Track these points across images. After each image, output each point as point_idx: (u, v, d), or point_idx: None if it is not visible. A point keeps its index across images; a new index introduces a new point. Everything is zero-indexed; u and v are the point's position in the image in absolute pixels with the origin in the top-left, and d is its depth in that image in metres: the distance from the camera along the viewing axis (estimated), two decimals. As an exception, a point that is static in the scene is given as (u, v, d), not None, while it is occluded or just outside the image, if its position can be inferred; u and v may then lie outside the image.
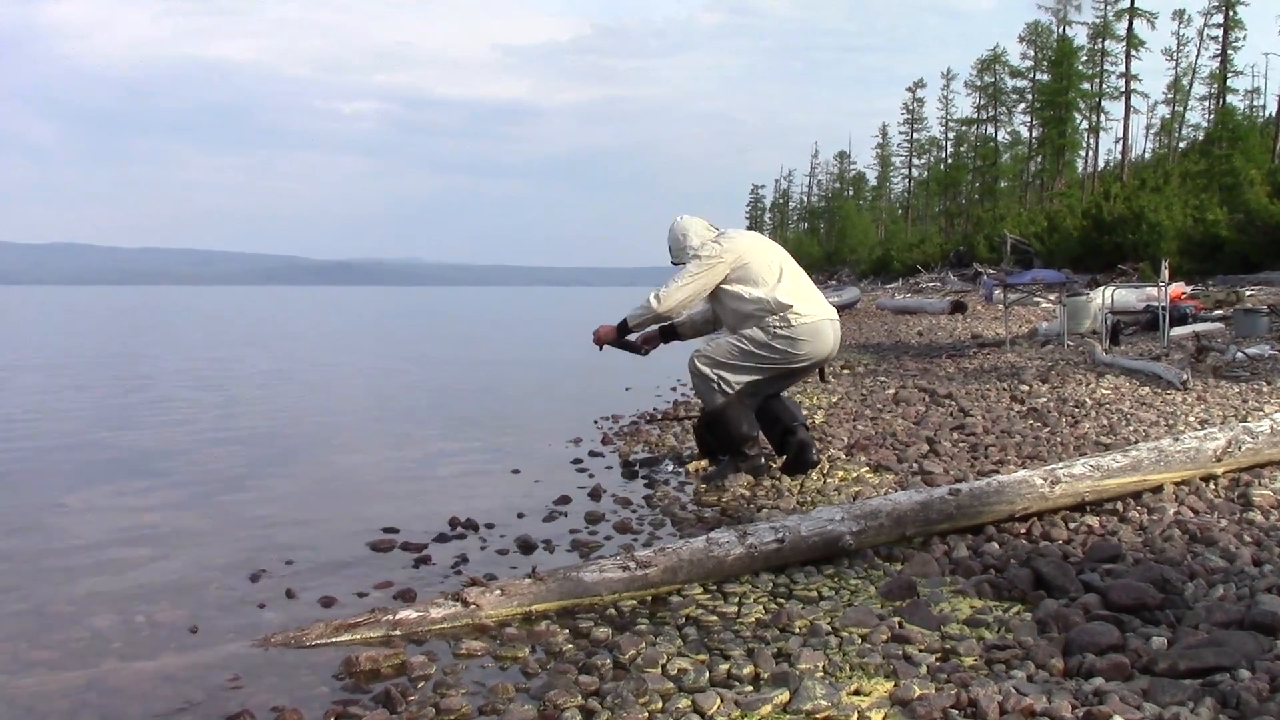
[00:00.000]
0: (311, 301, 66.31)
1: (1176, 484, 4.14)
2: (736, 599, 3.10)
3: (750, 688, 2.39)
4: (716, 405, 4.94)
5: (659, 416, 7.67)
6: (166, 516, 4.68)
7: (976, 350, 11.94)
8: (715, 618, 2.94)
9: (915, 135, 76.07)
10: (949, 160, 71.57)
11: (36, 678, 2.72)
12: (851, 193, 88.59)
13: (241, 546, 4.08)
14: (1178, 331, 11.39)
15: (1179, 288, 15.31)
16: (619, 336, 5.18)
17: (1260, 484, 4.13)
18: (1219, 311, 13.68)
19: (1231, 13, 48.94)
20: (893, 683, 2.36)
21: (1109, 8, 52.72)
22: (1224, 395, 6.96)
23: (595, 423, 7.43)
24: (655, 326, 5.32)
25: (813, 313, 4.89)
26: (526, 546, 3.96)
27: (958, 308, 21.73)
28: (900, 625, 2.74)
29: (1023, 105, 60.64)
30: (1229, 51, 49.80)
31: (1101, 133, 59.21)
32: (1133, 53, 50.91)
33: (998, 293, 18.67)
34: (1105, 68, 54.67)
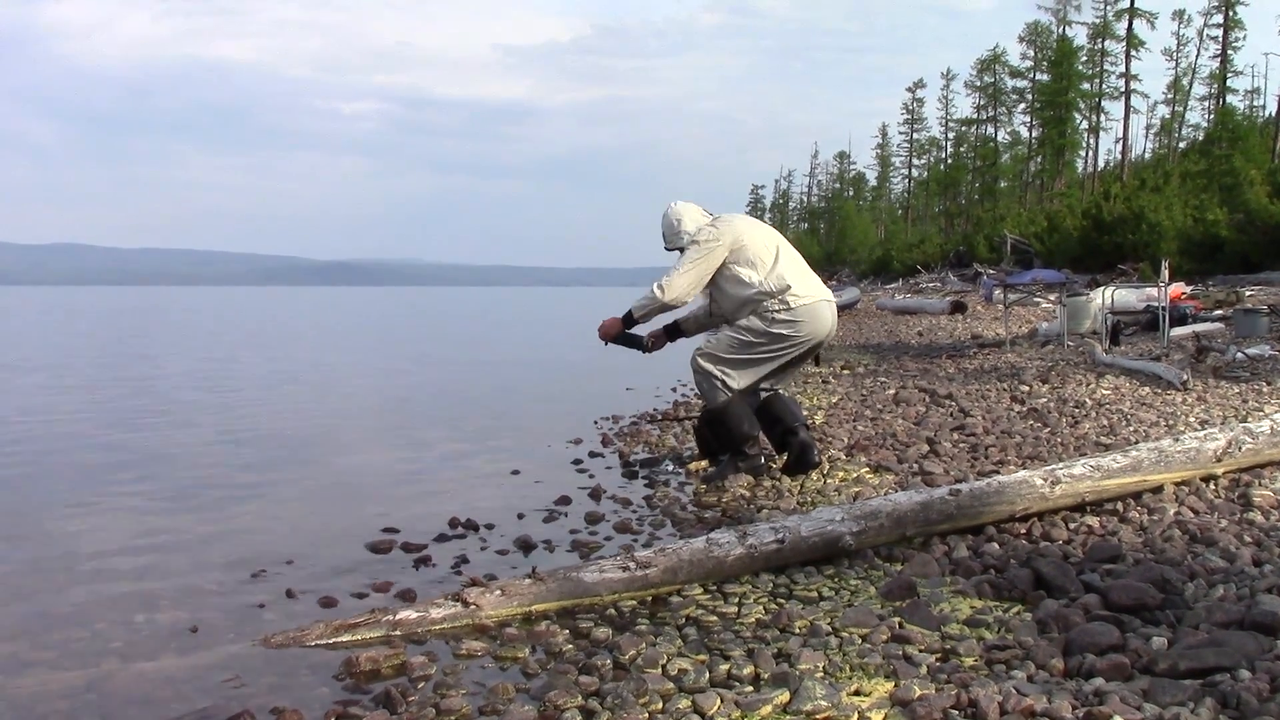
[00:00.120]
0: (312, 302, 66.32)
1: (1177, 484, 4.14)
2: (737, 599, 3.10)
3: (750, 688, 2.39)
4: (718, 403, 4.94)
5: (659, 417, 7.66)
6: (166, 517, 4.68)
7: (976, 350, 11.94)
8: (715, 618, 2.94)
9: (915, 135, 76.12)
10: (949, 160, 71.59)
11: (36, 678, 2.72)
12: (851, 193, 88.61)
13: (241, 547, 4.08)
14: (1178, 332, 11.39)
15: (1179, 288, 15.32)
16: (624, 329, 5.13)
17: (1260, 484, 4.13)
18: (1219, 312, 13.68)
19: (1231, 13, 48.97)
20: (893, 683, 2.36)
21: (1109, 8, 52.77)
22: (1224, 395, 6.96)
23: (595, 423, 7.43)
24: (660, 326, 5.33)
25: (810, 294, 4.90)
26: (526, 547, 3.96)
27: (958, 308, 21.74)
28: (900, 625, 2.74)
29: (1023, 105, 60.72)
30: (1229, 51, 49.85)
31: (1101, 133, 59.29)
32: (1133, 53, 50.94)
33: (998, 293, 18.67)
34: (1105, 68, 54.72)
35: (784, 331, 4.85)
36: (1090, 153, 59.85)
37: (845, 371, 10.27)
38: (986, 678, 2.35)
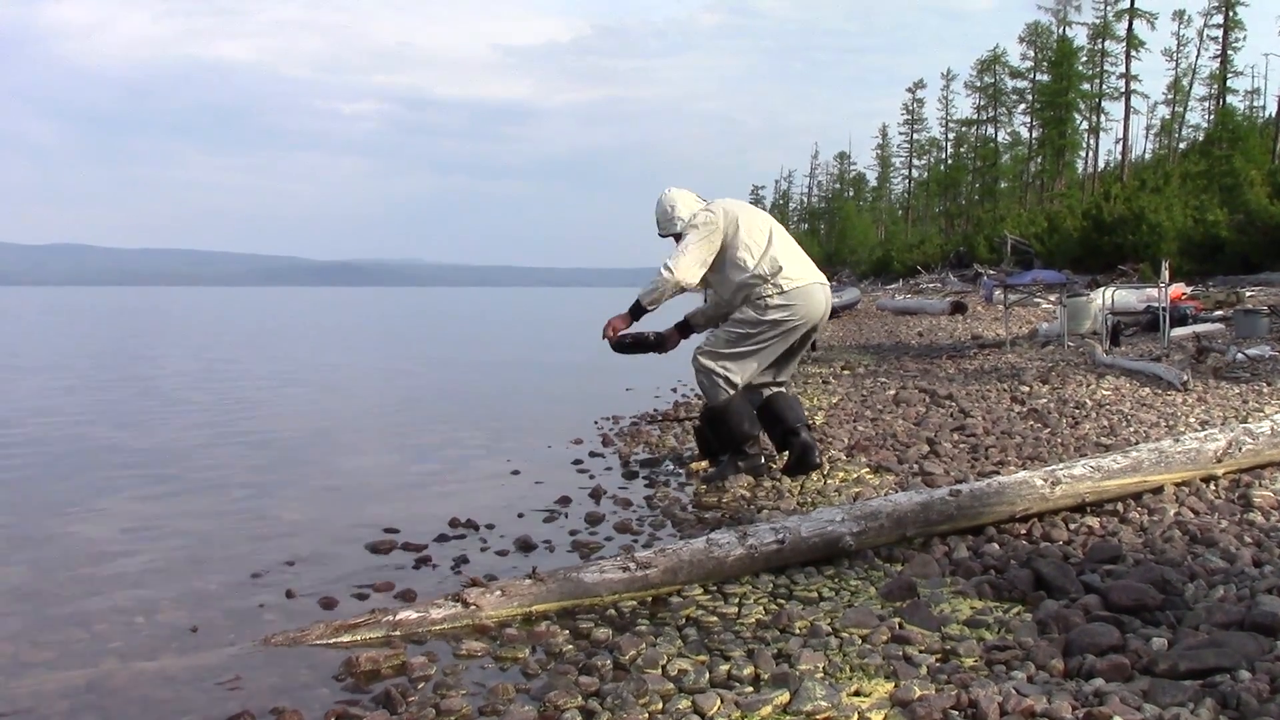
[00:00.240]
0: (312, 302, 66.33)
1: (1177, 485, 4.14)
2: (737, 600, 3.10)
3: (750, 688, 2.39)
4: (719, 401, 4.94)
5: (659, 417, 7.66)
6: (167, 517, 4.68)
7: (977, 351, 11.94)
8: (715, 618, 2.94)
9: (915, 136, 76.13)
10: (949, 161, 71.60)
11: (36, 678, 2.72)
12: (851, 193, 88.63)
13: (241, 547, 4.08)
14: (1178, 332, 11.39)
15: (1179, 288, 15.32)
16: (633, 320, 5.04)
17: (1260, 485, 4.13)
18: (1219, 312, 13.68)
19: (1231, 13, 48.98)
20: (893, 684, 2.36)
21: (1109, 8, 52.77)
22: (1224, 396, 6.96)
23: (596, 423, 7.43)
24: (673, 324, 5.34)
25: (802, 276, 4.91)
26: (527, 547, 3.96)
27: (958, 308, 21.73)
28: (900, 626, 2.74)
29: (1023, 106, 60.72)
30: (1229, 52, 49.85)
31: (1101, 133, 59.31)
32: (1133, 53, 50.93)
33: (998, 293, 18.67)
34: (1105, 68, 54.72)
35: (778, 316, 4.85)
36: (1090, 153, 59.89)
37: (845, 372, 10.26)
38: (987, 678, 2.35)
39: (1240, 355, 9.01)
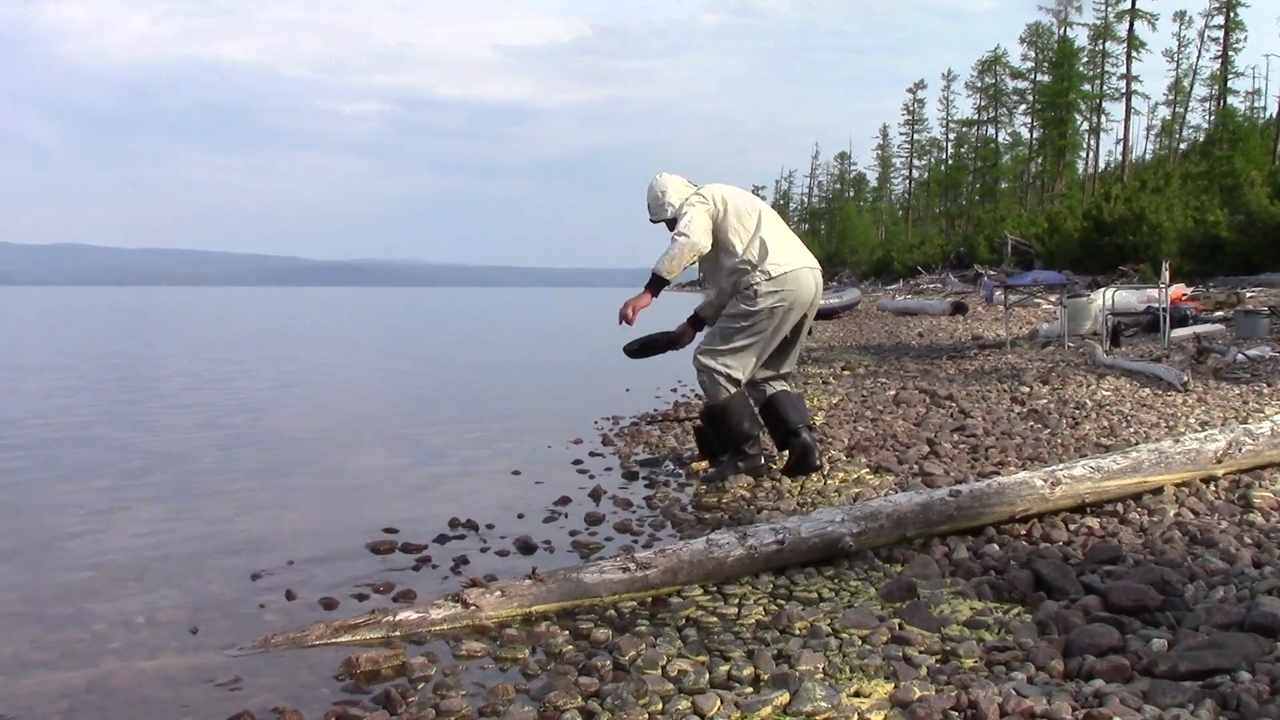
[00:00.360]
0: (312, 302, 66.33)
1: (1177, 486, 4.14)
2: (737, 600, 3.10)
3: (750, 689, 2.39)
4: (720, 399, 4.94)
5: (659, 418, 7.67)
6: (167, 518, 4.68)
7: (977, 351, 11.94)
8: (715, 619, 2.94)
9: (916, 136, 76.20)
10: (949, 161, 71.65)
11: (36, 678, 2.72)
12: (852, 194, 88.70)
13: (242, 547, 4.08)
14: (1178, 333, 11.39)
15: (1179, 289, 15.32)
16: (655, 295, 4.90)
17: (1261, 486, 4.13)
18: (1219, 313, 13.68)
19: (1232, 14, 49.03)
20: (893, 684, 2.36)
21: (1110, 9, 52.82)
22: (1224, 397, 6.95)
23: (595, 424, 7.43)
24: (686, 320, 5.36)
25: (791, 261, 4.90)
26: (527, 547, 3.95)
27: (958, 309, 21.75)
28: (900, 627, 2.74)
29: (1023, 106, 60.77)
30: (1230, 53, 49.90)
31: (1102, 134, 59.40)
32: (1133, 54, 50.99)
33: (998, 294, 18.67)
34: (1106, 69, 54.78)
35: (769, 304, 4.84)
36: (1091, 154, 59.95)
37: (846, 372, 10.26)
38: (986, 679, 2.35)
39: (1240, 356, 9.00)
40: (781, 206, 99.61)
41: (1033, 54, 57.99)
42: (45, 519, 4.66)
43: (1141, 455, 4.10)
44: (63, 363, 14.94)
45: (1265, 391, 7.09)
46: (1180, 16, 55.39)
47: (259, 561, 3.80)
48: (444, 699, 2.44)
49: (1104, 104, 56.27)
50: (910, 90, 74.10)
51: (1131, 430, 5.79)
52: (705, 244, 4.83)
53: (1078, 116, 56.70)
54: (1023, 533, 3.70)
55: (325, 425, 8.30)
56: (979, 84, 65.15)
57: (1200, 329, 11.93)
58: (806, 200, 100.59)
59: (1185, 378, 7.53)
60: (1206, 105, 55.96)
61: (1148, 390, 7.43)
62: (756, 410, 5.11)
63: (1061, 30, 56.41)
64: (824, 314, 24.54)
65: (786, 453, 5.05)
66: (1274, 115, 45.91)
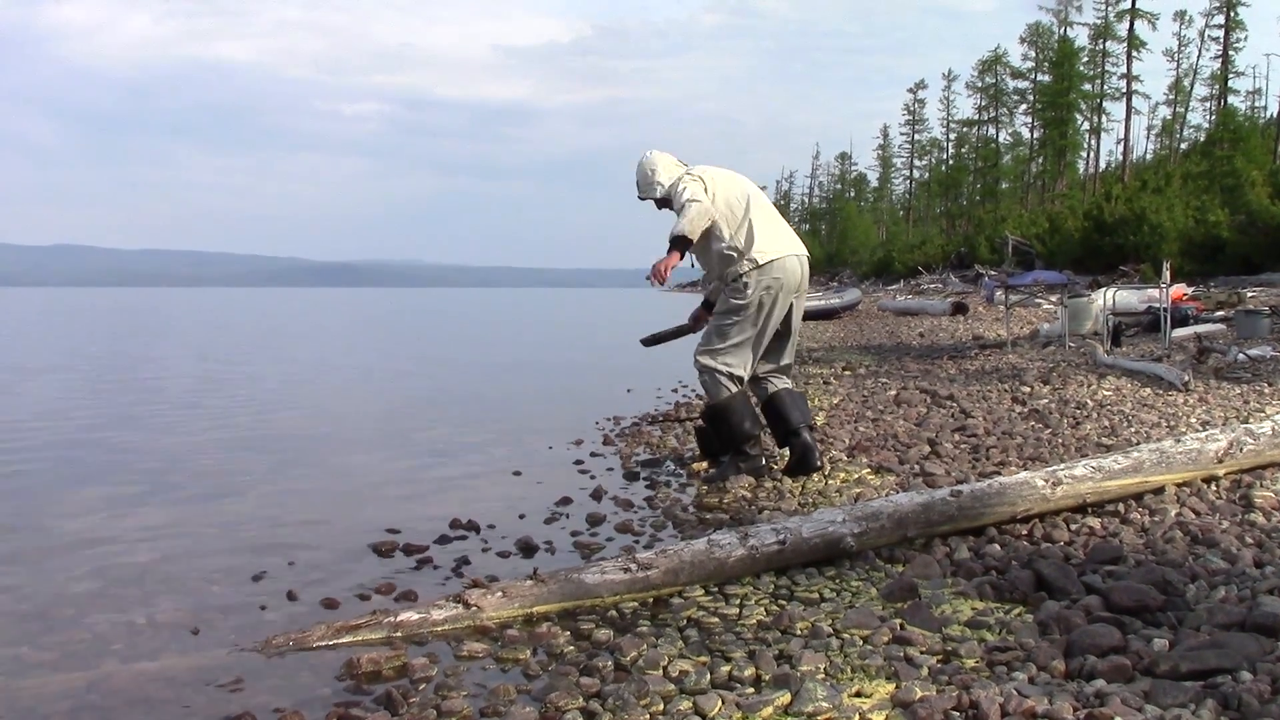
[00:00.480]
0: (313, 303, 66.36)
1: (1178, 485, 4.13)
2: (738, 601, 3.10)
3: (751, 689, 2.40)
4: (722, 398, 4.93)
5: (660, 418, 7.66)
6: (168, 518, 4.68)
7: (978, 352, 11.94)
8: (717, 619, 2.94)
9: (916, 136, 76.19)
10: (950, 161, 71.64)
11: (37, 679, 2.72)
12: (853, 194, 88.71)
13: (243, 548, 4.08)
14: (1179, 333, 11.39)
15: (1180, 289, 15.31)
16: (681, 255, 4.81)
17: (1262, 485, 4.13)
18: (1220, 313, 13.68)
19: (1233, 14, 49.00)
20: (894, 684, 2.36)
21: (1110, 9, 52.81)
22: (1225, 396, 6.95)
23: (596, 424, 7.43)
24: (699, 305, 5.40)
25: (778, 249, 4.88)
26: (528, 548, 3.95)
27: (959, 309, 21.75)
28: (902, 627, 2.74)
29: (1024, 106, 60.75)
30: (1230, 52, 49.88)
31: (1103, 134, 59.40)
32: (1134, 54, 50.96)
33: (999, 294, 18.68)
34: (1106, 69, 54.77)
35: (758, 295, 4.83)
36: (1091, 154, 59.95)
37: (847, 373, 10.26)
38: (988, 679, 2.35)
39: (1241, 356, 9.00)
40: (782, 207, 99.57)
41: (1033, 54, 57.99)
42: (46, 520, 4.66)
43: (1143, 455, 4.10)
44: (64, 364, 14.95)
45: (1266, 391, 7.09)
46: (1180, 16, 55.40)
47: (260, 562, 3.80)
48: (445, 699, 2.44)
49: (1104, 104, 56.31)
50: (911, 90, 74.15)
51: (1132, 430, 5.79)
52: (711, 208, 4.78)
53: (1078, 116, 56.70)
54: (1024, 533, 3.70)
55: (326, 426, 8.30)
56: (979, 84, 65.16)
57: (1201, 329, 11.92)
58: (807, 200, 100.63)
59: (1186, 377, 7.52)
60: (1207, 105, 55.97)
61: (1149, 390, 7.43)
62: (758, 407, 5.11)
63: (1062, 30, 56.43)
64: (825, 314, 24.54)
65: (787, 451, 5.04)
66: (1275, 115, 45.95)
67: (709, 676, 2.47)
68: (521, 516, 4.51)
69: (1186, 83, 57.18)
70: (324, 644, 2.83)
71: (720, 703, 2.30)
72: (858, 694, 2.33)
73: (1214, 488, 4.19)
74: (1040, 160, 59.54)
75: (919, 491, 3.83)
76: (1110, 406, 6.73)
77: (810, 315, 23.79)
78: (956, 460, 5.19)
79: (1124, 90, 51.93)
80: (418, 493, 5.27)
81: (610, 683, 2.47)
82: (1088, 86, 55.32)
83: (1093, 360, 9.55)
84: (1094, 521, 3.78)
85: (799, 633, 2.77)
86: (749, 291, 4.84)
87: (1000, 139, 65.12)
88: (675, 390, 9.50)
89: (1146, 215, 27.17)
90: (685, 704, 2.31)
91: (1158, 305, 11.57)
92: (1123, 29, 51.53)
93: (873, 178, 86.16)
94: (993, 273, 30.87)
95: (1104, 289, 13.44)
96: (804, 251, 5.07)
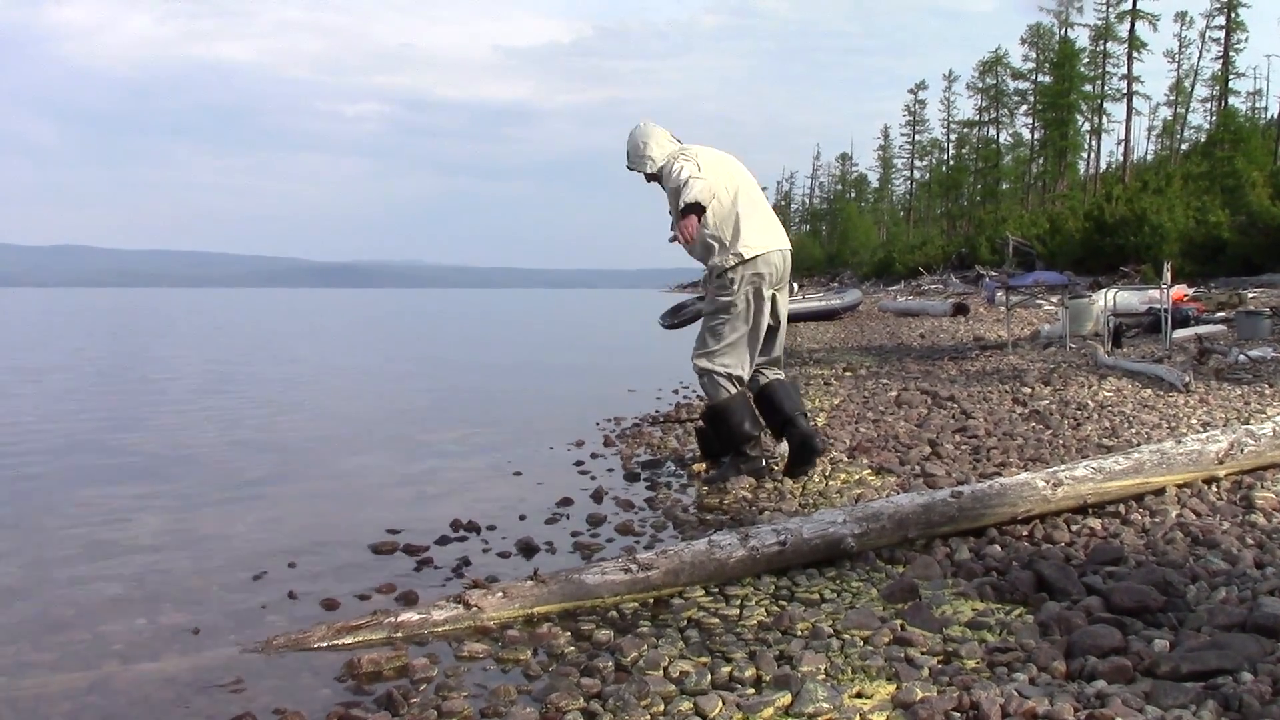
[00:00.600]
0: (314, 303, 66.37)
1: (1179, 486, 4.13)
2: (738, 601, 3.10)
3: (752, 690, 2.40)
4: (721, 399, 4.93)
5: (661, 419, 7.67)
6: (169, 519, 4.69)
7: (978, 352, 11.94)
8: (717, 620, 2.94)
9: (917, 137, 76.23)
10: (951, 162, 71.66)
11: (38, 679, 2.72)
12: (853, 194, 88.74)
13: (244, 549, 4.08)
14: (1180, 334, 11.38)
15: (1181, 290, 15.31)
16: (700, 216, 4.71)
17: (1263, 486, 4.13)
18: (1221, 314, 13.67)
19: (1233, 15, 49.03)
20: (895, 685, 2.36)
21: (1111, 10, 52.83)
22: (1226, 397, 6.95)
23: (597, 425, 7.43)
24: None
25: (766, 243, 4.87)
26: (528, 548, 3.95)
27: (960, 310, 21.75)
28: (902, 628, 2.74)
29: (1024, 107, 60.80)
30: (1231, 53, 49.92)
31: (1103, 134, 59.41)
32: (1135, 54, 50.99)
33: (1000, 295, 18.65)
34: (1107, 69, 54.79)
35: (745, 291, 4.82)
36: (1092, 154, 59.97)
37: (847, 373, 10.26)
38: (988, 680, 2.35)
39: (1242, 357, 9.00)
40: (783, 207, 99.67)
41: (1034, 55, 58.05)
42: (46, 521, 4.67)
43: (1143, 456, 4.10)
44: (65, 364, 14.95)
45: (1267, 392, 7.09)
46: (1181, 17, 55.37)
47: (261, 563, 3.80)
48: (446, 700, 2.44)
49: (1105, 104, 56.33)
50: (911, 91, 74.20)
51: (1133, 431, 5.79)
52: (712, 189, 4.76)
53: (1079, 117, 56.72)
54: (1025, 534, 3.70)
55: (327, 426, 8.30)
56: (980, 85, 65.20)
57: (1202, 330, 11.92)
58: (808, 201, 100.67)
59: (1187, 379, 7.52)
60: (1208, 106, 55.97)
61: (1149, 391, 7.42)
62: (751, 399, 5.10)
63: (1062, 31, 56.48)
64: (826, 315, 24.54)
65: (787, 448, 5.03)
66: (1275, 116, 45.95)
67: (709, 677, 2.47)
68: (522, 517, 4.51)
69: (1187, 84, 57.23)
70: (325, 644, 2.83)
71: (721, 703, 2.30)
72: (858, 695, 2.33)
73: (1215, 489, 4.19)
74: (1041, 161, 59.57)
75: (920, 492, 3.83)
76: (1111, 407, 6.73)
77: (811, 316, 23.82)
78: (957, 461, 5.19)
79: (1125, 91, 51.97)
80: (418, 493, 5.28)
81: (611, 683, 2.47)
82: (1088, 87, 55.35)
83: (1093, 361, 9.55)
84: (1095, 522, 3.78)
85: (799, 633, 2.77)
86: (735, 288, 4.84)
87: (1001, 140, 65.22)
88: (676, 391, 9.51)
89: (1147, 216, 27.17)
90: (686, 705, 2.31)
91: (1158, 306, 11.57)
92: (1123, 30, 51.59)
93: (873, 178, 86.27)
94: (993, 273, 30.82)
95: (1105, 290, 13.43)
96: (788, 245, 5.06)
